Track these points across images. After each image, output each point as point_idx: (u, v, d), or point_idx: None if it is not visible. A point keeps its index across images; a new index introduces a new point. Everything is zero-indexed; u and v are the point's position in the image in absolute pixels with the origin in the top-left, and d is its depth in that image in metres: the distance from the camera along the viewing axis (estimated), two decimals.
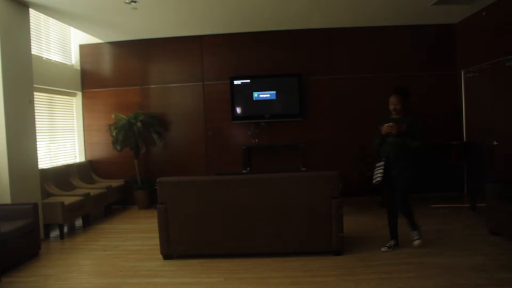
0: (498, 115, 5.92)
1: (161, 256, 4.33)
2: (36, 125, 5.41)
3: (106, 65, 7.49)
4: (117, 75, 7.44)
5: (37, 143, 5.42)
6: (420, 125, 4.18)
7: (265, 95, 7.08)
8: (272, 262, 4.07)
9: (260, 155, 7.23)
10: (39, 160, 5.47)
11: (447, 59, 7.08)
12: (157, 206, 4.30)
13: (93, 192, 6.18)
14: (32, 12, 5.53)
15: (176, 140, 7.38)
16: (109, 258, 4.53)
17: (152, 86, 7.41)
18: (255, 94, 7.09)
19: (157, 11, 5.84)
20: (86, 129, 7.47)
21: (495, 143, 5.93)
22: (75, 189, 6.38)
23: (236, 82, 7.10)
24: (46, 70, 6.32)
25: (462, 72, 6.94)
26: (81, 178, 6.84)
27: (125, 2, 5.20)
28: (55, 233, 5.58)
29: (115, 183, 7.02)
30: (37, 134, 5.41)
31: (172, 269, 4.08)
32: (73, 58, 7.40)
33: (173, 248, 4.30)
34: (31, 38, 5.43)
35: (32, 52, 5.45)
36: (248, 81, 7.11)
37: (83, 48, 7.42)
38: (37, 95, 5.93)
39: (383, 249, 4.25)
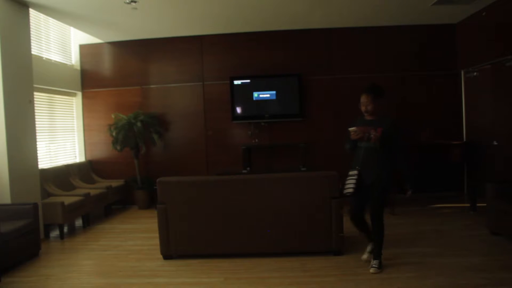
0: (498, 115, 5.92)
1: (161, 256, 4.33)
2: (36, 125, 5.41)
3: (106, 65, 7.49)
4: (117, 75, 7.44)
5: (37, 143, 5.42)
6: (398, 129, 3.74)
7: (265, 95, 7.08)
8: (272, 262, 4.07)
9: (260, 155, 7.23)
10: (39, 160, 5.47)
11: (447, 59, 7.08)
12: (157, 206, 4.30)
13: (93, 192, 6.18)
14: (32, 12, 5.53)
15: (176, 140, 7.38)
16: (109, 258, 4.53)
17: (152, 86, 7.41)
18: (255, 94, 7.09)
19: (157, 11, 5.84)
20: (86, 129, 7.48)
21: (495, 143, 5.93)
22: (75, 189, 6.38)
23: (236, 82, 7.10)
24: (46, 70, 6.32)
25: (462, 72, 6.95)
26: (81, 178, 6.84)
27: (125, 2, 5.20)
28: (55, 233, 5.58)
29: (115, 183, 7.02)
30: (37, 134, 5.41)
31: (172, 269, 4.08)
32: (73, 58, 7.40)
33: (173, 248, 4.30)
34: (31, 38, 5.43)
35: (32, 52, 5.45)
36: (248, 81, 7.11)
37: (83, 48, 7.43)
38: (37, 95, 5.93)
39: (364, 256, 3.96)
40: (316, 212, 4.15)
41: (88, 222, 6.05)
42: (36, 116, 5.42)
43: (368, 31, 7.06)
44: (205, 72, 7.32)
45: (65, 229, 5.69)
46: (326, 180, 4.19)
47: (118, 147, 6.86)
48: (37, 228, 4.65)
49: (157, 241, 4.35)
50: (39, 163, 5.45)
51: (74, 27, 6.72)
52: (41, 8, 5.56)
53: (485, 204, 4.91)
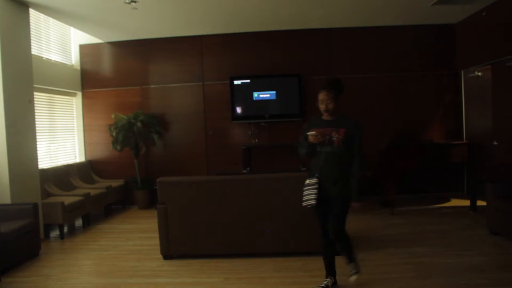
0: (498, 115, 5.92)
1: (161, 256, 4.33)
2: (36, 125, 5.41)
3: (106, 65, 7.49)
4: (117, 75, 7.44)
5: (37, 143, 5.42)
6: (362, 131, 3.24)
7: (265, 95, 7.08)
8: (272, 262, 4.07)
9: (260, 155, 7.23)
10: (39, 160, 5.47)
11: (447, 59, 7.08)
12: (157, 206, 4.30)
13: (93, 192, 6.18)
14: (32, 12, 5.53)
15: (176, 140, 7.38)
16: (109, 258, 4.53)
17: (152, 86, 7.41)
18: (255, 94, 7.09)
19: (157, 11, 5.84)
20: (86, 129, 7.48)
21: (495, 143, 5.93)
22: (75, 189, 6.38)
23: (236, 82, 7.10)
24: (46, 70, 6.32)
25: (462, 72, 6.94)
26: (81, 178, 6.84)
27: (125, 2, 5.20)
28: (55, 233, 5.57)
29: (115, 183, 7.02)
30: (37, 134, 5.41)
31: (172, 269, 4.08)
32: (73, 58, 7.40)
33: (173, 248, 4.30)
34: (31, 38, 5.43)
35: (32, 52, 5.45)
36: (248, 81, 7.11)
37: (83, 48, 7.43)
38: (37, 95, 5.93)
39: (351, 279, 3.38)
40: None
41: (88, 222, 6.05)
42: (36, 116, 5.42)
43: (368, 31, 7.06)
44: (205, 72, 7.32)
45: (65, 229, 5.69)
46: None
47: (118, 147, 6.86)
48: (37, 228, 4.65)
49: (157, 241, 4.35)
50: (39, 163, 5.45)
51: (74, 27, 6.72)
52: (41, 8, 5.56)
53: (485, 204, 4.91)
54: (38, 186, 5.33)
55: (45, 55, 6.48)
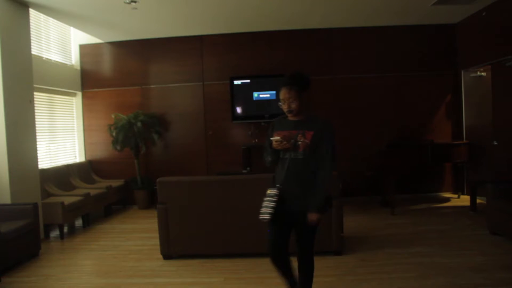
0: (498, 115, 5.92)
1: (161, 256, 4.33)
2: (36, 125, 5.41)
3: (106, 65, 7.49)
4: (117, 75, 7.44)
5: (37, 143, 5.42)
6: (333, 133, 2.73)
7: (265, 95, 7.07)
8: None
9: (260, 155, 7.19)
10: (39, 160, 5.47)
11: (447, 59, 7.08)
12: (157, 206, 4.30)
13: (93, 192, 6.18)
14: (32, 12, 5.53)
15: (176, 140, 7.38)
16: (109, 258, 4.53)
17: (152, 86, 7.41)
18: (255, 94, 7.09)
19: (157, 11, 5.84)
20: (86, 129, 7.47)
21: (495, 143, 5.93)
22: (75, 189, 6.38)
23: (236, 82, 7.10)
24: (46, 70, 6.32)
25: (462, 72, 6.94)
26: (81, 178, 6.84)
27: (125, 2, 5.20)
28: (55, 233, 5.58)
29: (115, 183, 7.02)
30: (37, 134, 5.41)
31: (172, 269, 4.08)
32: (73, 58, 7.40)
33: (173, 248, 4.30)
34: (31, 38, 5.43)
35: (32, 52, 5.45)
36: (248, 81, 7.11)
37: (83, 48, 7.42)
38: (37, 95, 5.93)
39: None
40: None
41: (88, 222, 6.05)
42: (36, 116, 5.42)
43: (368, 31, 7.06)
44: (205, 72, 7.32)
45: (65, 229, 5.69)
46: None
47: (118, 147, 6.86)
48: (37, 228, 4.65)
49: (157, 241, 4.35)
50: (39, 163, 5.45)
51: (74, 27, 6.72)
52: (41, 8, 5.56)
53: (485, 204, 4.91)
54: (38, 186, 5.33)
55: (45, 55, 6.48)
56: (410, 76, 7.09)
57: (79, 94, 7.44)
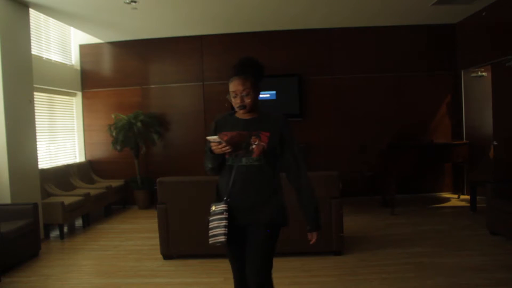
0: (498, 115, 5.92)
1: (161, 256, 4.33)
2: (36, 125, 5.41)
3: (106, 65, 7.49)
4: (117, 75, 7.44)
5: (37, 143, 5.42)
6: (292, 132, 2.29)
7: (265, 95, 7.07)
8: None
9: None
10: (39, 160, 5.47)
11: (447, 59, 7.08)
12: (157, 206, 4.30)
13: (93, 192, 6.18)
14: (32, 12, 5.53)
15: (176, 140, 7.38)
16: (109, 258, 4.53)
17: (152, 86, 7.41)
18: None
19: (157, 11, 5.84)
20: (86, 129, 7.47)
21: (495, 143, 5.93)
22: (75, 189, 6.38)
23: None
24: (46, 70, 6.31)
25: (462, 72, 6.94)
26: (81, 178, 6.84)
27: (125, 2, 5.20)
28: (55, 233, 5.57)
29: (115, 183, 7.02)
30: (37, 134, 5.41)
31: (172, 269, 4.08)
32: (73, 58, 7.40)
33: (173, 248, 4.30)
34: (31, 38, 5.43)
35: (32, 52, 5.45)
36: None
37: (83, 48, 7.42)
38: (37, 95, 5.93)
39: None
40: None
41: (88, 222, 6.05)
42: (36, 116, 5.42)
43: (368, 31, 7.06)
44: (205, 72, 7.32)
45: (65, 229, 5.69)
46: (325, 180, 4.19)
47: (118, 147, 6.85)
48: (37, 228, 4.65)
49: (157, 241, 4.35)
50: (39, 163, 5.45)
51: (74, 27, 6.73)
52: (41, 8, 5.56)
53: (485, 204, 4.91)
54: (38, 186, 5.33)
55: (45, 55, 6.48)
56: (410, 76, 7.09)
57: (79, 94, 7.44)
